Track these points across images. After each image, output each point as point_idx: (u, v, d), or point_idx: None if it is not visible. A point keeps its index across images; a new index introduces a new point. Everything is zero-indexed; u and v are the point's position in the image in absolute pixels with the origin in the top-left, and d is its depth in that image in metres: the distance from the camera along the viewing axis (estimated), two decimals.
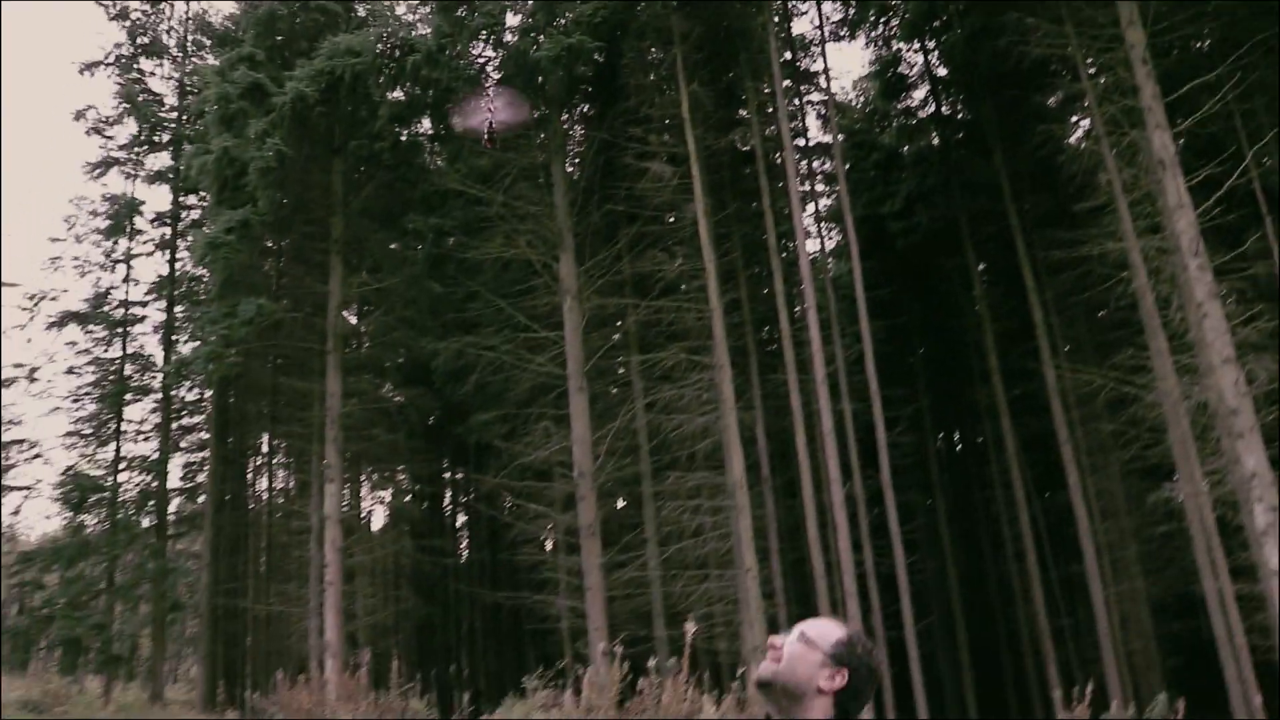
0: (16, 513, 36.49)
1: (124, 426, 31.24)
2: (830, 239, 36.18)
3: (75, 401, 31.99)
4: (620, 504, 28.49)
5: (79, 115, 32.29)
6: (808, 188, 30.20)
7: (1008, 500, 28.72)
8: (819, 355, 24.14)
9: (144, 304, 32.14)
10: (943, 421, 34.92)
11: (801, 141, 29.93)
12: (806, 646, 2.61)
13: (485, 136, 8.91)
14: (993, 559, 31.77)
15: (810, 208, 32.10)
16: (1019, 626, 29.02)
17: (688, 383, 24.17)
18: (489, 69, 24.79)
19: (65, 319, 31.44)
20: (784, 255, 26.99)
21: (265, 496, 33.87)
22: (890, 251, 31.63)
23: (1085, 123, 26.09)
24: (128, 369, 31.28)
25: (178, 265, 31.89)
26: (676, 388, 24.17)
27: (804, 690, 2.57)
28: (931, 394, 32.02)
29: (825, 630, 2.65)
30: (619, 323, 26.80)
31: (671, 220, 25.19)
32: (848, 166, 31.20)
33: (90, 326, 31.80)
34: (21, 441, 32.20)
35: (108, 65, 32.16)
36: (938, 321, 32.35)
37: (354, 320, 30.66)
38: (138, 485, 31.15)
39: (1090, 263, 22.53)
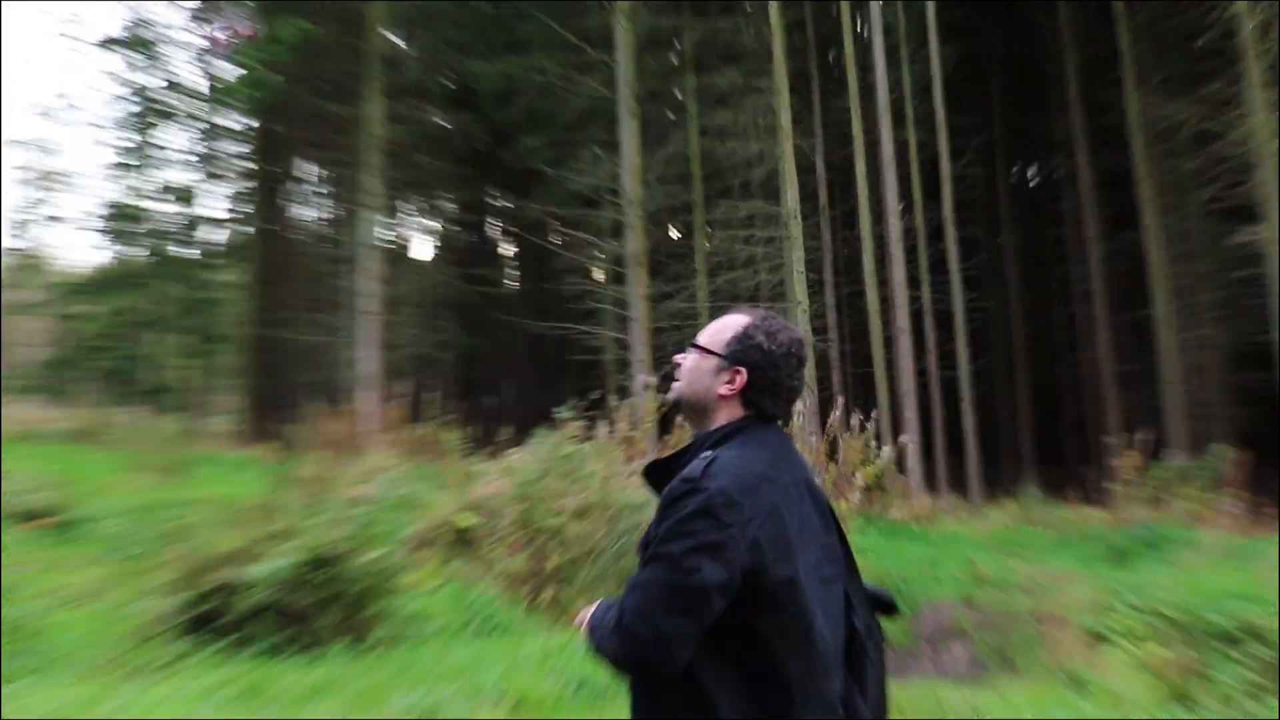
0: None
1: (167, 156, 30.56)
2: None
3: (118, 130, 31.26)
4: (675, 235, 27.71)
5: None
6: None
7: (1078, 239, 27.47)
8: (883, 80, 22.76)
9: (185, 29, 30.88)
10: (1015, 155, 33.11)
11: None
12: (701, 355, 2.35)
13: None
14: (1060, 300, 30.69)
15: None
16: (1082, 371, 28.31)
17: (744, 108, 22.95)
18: None
19: (107, 44, 30.32)
20: None
21: (309, 226, 33.38)
22: None
23: None
24: (170, 97, 30.30)
25: None
26: (732, 112, 22.99)
27: (706, 402, 2.32)
28: (1005, 125, 30.15)
29: (720, 330, 2.36)
30: (675, 43, 25.33)
31: None
32: None
33: (130, 52, 30.67)
34: (62, 171, 31.78)
35: None
36: (1016, 48, 30.18)
37: (401, 44, 29.38)
38: (181, 215, 30.78)
39: None
